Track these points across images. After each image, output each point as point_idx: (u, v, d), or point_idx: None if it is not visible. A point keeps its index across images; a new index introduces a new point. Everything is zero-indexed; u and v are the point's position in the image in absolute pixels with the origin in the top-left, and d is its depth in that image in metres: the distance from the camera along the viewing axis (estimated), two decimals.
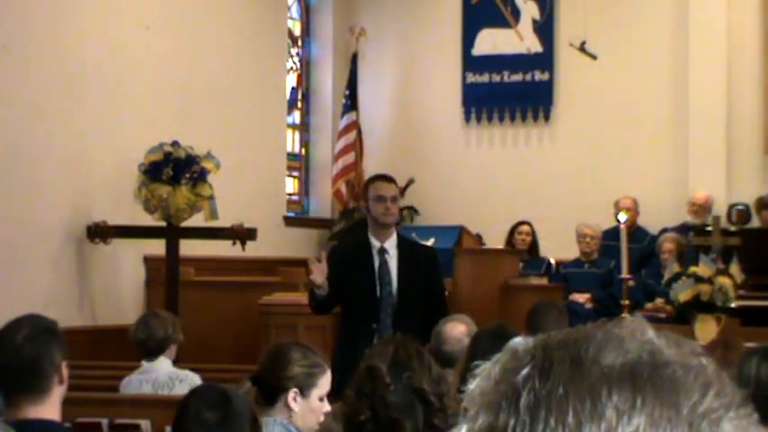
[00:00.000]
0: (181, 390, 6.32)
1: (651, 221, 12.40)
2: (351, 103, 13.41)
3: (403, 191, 12.86)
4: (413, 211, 13.45)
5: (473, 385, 1.07)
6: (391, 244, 7.26)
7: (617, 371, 1.02)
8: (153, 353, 6.49)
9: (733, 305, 9.14)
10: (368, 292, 7.10)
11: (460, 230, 11.82)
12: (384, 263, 7.20)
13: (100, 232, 10.10)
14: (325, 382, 4.31)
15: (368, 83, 13.69)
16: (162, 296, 10.06)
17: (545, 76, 13.32)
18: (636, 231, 11.88)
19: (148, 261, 10.79)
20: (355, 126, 13.37)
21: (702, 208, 12.03)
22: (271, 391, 4.22)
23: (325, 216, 13.75)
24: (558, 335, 1.08)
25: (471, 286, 10.77)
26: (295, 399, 4.21)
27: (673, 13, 12.84)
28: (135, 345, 6.60)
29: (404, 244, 7.39)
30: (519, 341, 1.09)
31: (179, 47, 11.36)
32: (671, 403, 1.01)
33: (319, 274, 6.95)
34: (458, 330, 5.96)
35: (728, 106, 12.51)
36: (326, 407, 4.30)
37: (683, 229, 11.77)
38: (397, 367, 3.87)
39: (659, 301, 10.85)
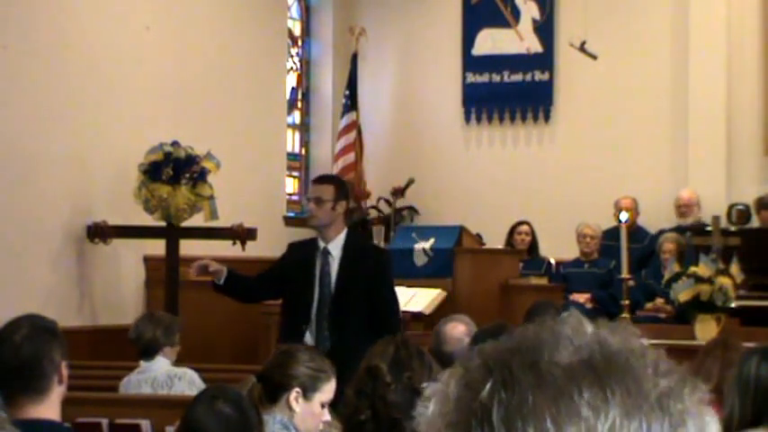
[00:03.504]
0: (180, 387, 6.33)
1: (651, 221, 12.39)
2: (351, 103, 13.40)
3: (403, 191, 12.86)
4: (413, 211, 13.44)
5: (428, 409, 1.06)
6: (336, 245, 7.08)
7: (578, 369, 1.03)
8: (144, 353, 6.51)
9: (733, 305, 9.14)
10: (304, 292, 7.02)
11: (460, 230, 11.80)
12: (326, 264, 7.07)
13: (100, 232, 10.09)
14: (328, 389, 4.27)
15: (368, 83, 13.68)
16: (162, 296, 10.06)
17: (545, 76, 13.31)
18: (636, 231, 11.86)
19: (148, 261, 10.79)
20: (355, 126, 13.35)
21: (689, 207, 12.01)
22: (274, 389, 4.21)
23: None
24: (505, 343, 1.07)
25: (471, 286, 10.76)
26: (297, 399, 4.20)
27: (673, 14, 12.83)
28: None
29: (351, 246, 7.17)
30: (462, 358, 1.09)
31: (179, 47, 11.36)
32: (636, 390, 1.02)
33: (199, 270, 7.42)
34: (458, 330, 5.96)
35: (728, 106, 12.50)
36: (327, 416, 4.27)
37: (678, 230, 11.76)
38: (398, 367, 3.88)
39: (659, 301, 10.85)
